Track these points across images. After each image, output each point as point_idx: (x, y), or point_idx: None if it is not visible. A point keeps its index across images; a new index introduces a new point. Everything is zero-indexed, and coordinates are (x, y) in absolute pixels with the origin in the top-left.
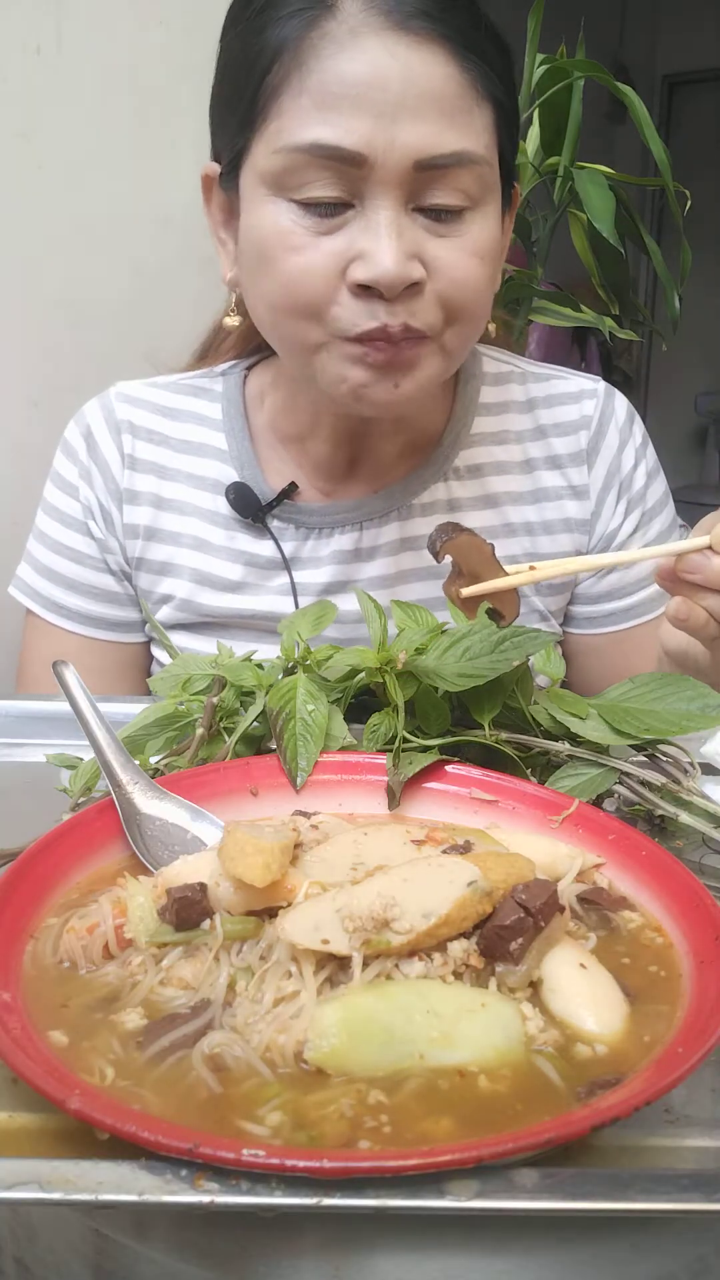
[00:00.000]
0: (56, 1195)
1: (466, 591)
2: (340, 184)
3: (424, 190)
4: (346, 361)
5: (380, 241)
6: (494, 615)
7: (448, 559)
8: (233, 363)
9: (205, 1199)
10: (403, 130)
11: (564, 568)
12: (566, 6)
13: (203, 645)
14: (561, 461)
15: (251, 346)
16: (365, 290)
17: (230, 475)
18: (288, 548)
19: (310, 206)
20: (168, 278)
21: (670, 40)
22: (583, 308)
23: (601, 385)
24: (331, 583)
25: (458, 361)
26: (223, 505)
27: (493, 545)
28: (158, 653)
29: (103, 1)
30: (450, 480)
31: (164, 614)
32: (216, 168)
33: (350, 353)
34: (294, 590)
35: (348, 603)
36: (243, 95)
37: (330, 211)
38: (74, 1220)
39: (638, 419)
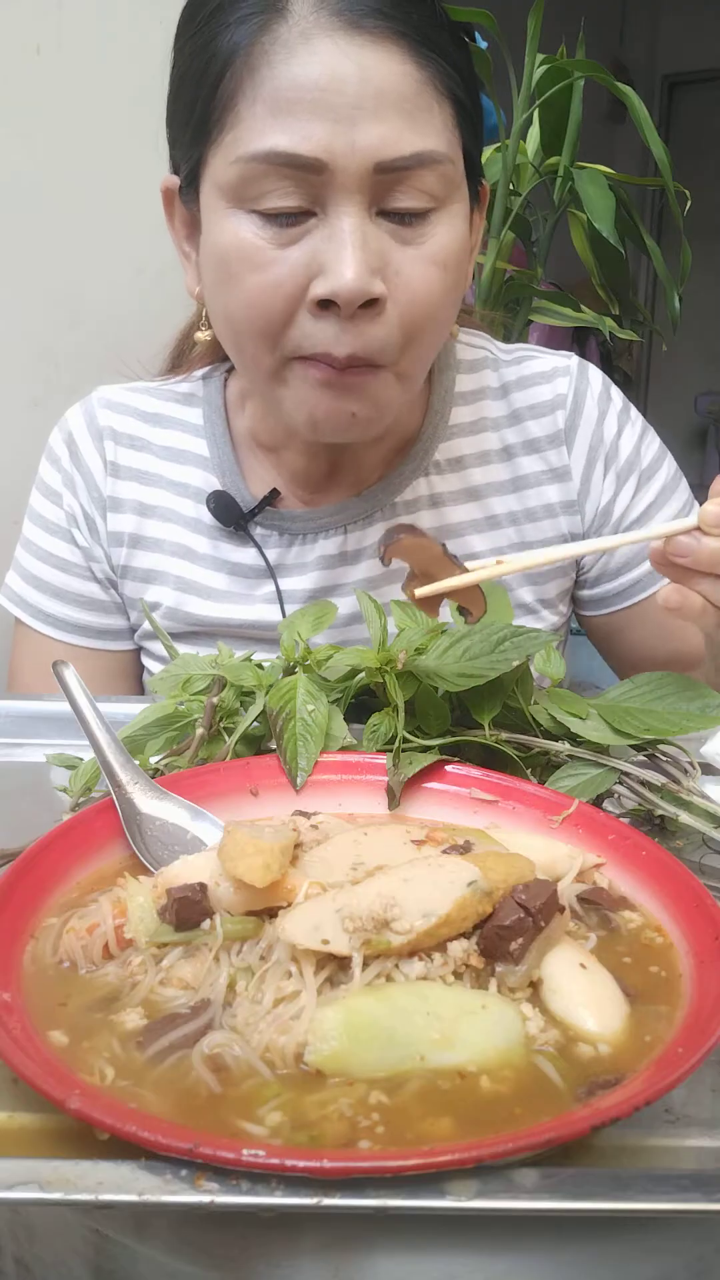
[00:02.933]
0: (56, 1195)
1: (420, 592)
2: (300, 192)
3: (386, 194)
4: (303, 386)
5: (343, 251)
6: (464, 612)
7: (397, 561)
8: (213, 365)
9: (205, 1199)
10: (361, 133)
11: (532, 560)
12: (566, 6)
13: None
14: (539, 445)
15: (224, 353)
16: (324, 308)
17: (212, 482)
18: (272, 554)
19: (271, 217)
20: (168, 278)
21: (670, 40)
22: (583, 308)
23: (574, 361)
24: (318, 589)
25: (417, 383)
26: (205, 513)
27: (444, 545)
28: (149, 662)
29: (103, 1)
30: (431, 475)
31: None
32: (176, 180)
33: (304, 374)
34: (280, 598)
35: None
36: (196, 106)
37: (291, 221)
38: (74, 1220)
39: (614, 387)
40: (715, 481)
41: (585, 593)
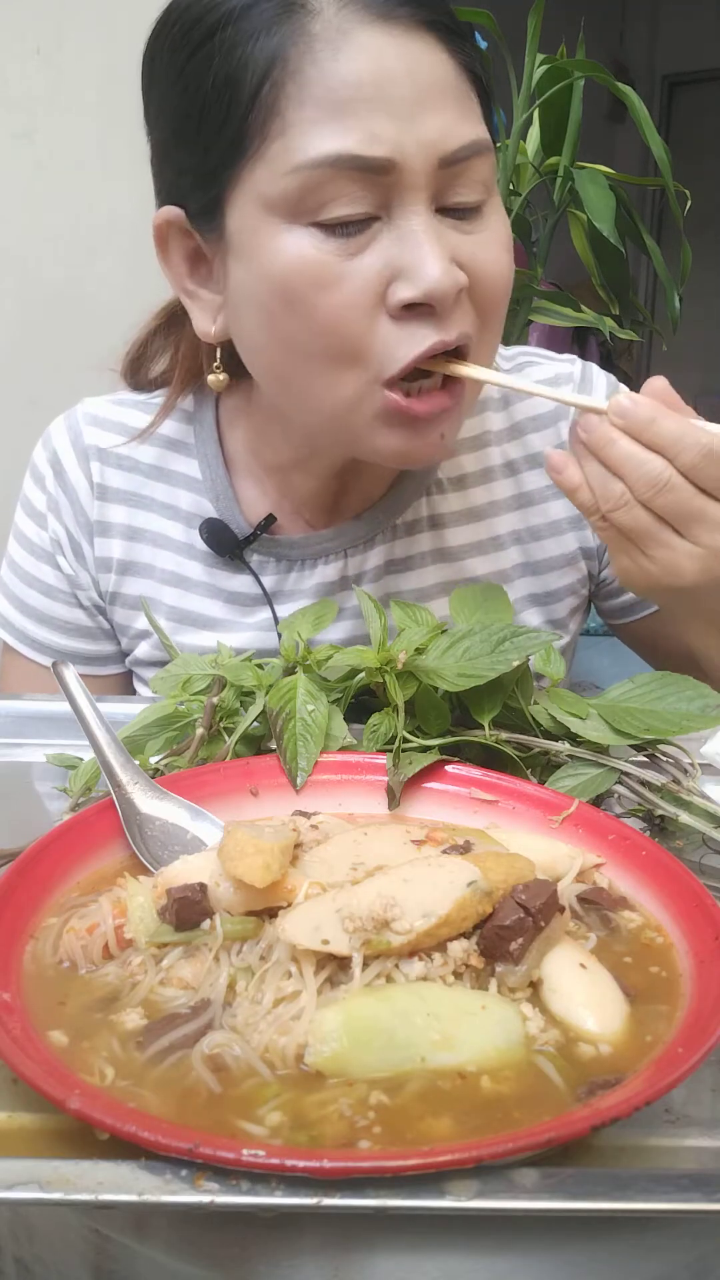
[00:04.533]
0: (56, 1195)
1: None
2: (368, 197)
3: (447, 189)
4: (384, 422)
5: (422, 251)
6: None
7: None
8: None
9: (205, 1199)
10: (422, 127)
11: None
12: (566, 6)
13: None
14: (542, 459)
15: (194, 379)
16: (408, 311)
17: (204, 507)
18: (269, 582)
19: (332, 228)
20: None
21: (670, 40)
22: (583, 308)
23: (578, 366)
24: None
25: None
26: (197, 538)
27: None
28: (141, 687)
29: (103, 1)
30: (433, 494)
31: (143, 650)
32: (177, 211)
33: (389, 405)
34: (276, 623)
35: (336, 632)
36: (226, 123)
37: (356, 230)
38: (74, 1220)
39: (622, 386)
40: (648, 382)
41: (612, 603)
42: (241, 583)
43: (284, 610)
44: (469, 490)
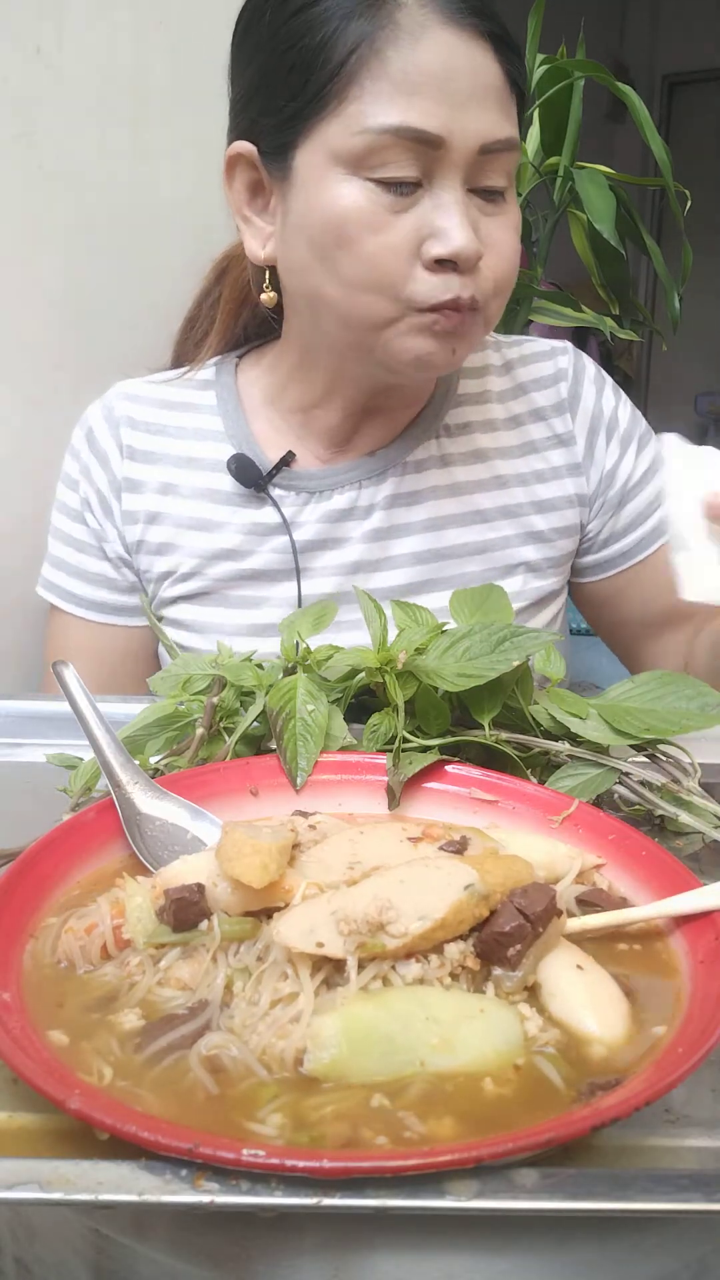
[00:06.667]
0: (56, 1195)
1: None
2: (417, 164)
3: (480, 172)
4: (415, 333)
5: (454, 219)
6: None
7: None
8: (222, 356)
9: (205, 1199)
10: (472, 117)
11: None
12: (566, 6)
13: (206, 614)
14: (545, 413)
15: (233, 340)
16: (440, 265)
17: (227, 451)
18: (288, 512)
19: (386, 185)
20: (168, 278)
21: (670, 40)
22: (583, 308)
23: (570, 345)
24: (326, 539)
25: (491, 328)
26: (221, 483)
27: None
28: (161, 651)
29: (103, 1)
30: (441, 438)
31: (167, 589)
32: (249, 147)
33: (421, 323)
34: (294, 547)
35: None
36: (307, 78)
37: (405, 190)
38: (74, 1220)
39: (605, 373)
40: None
41: (589, 558)
42: (260, 514)
43: (299, 535)
44: (475, 435)
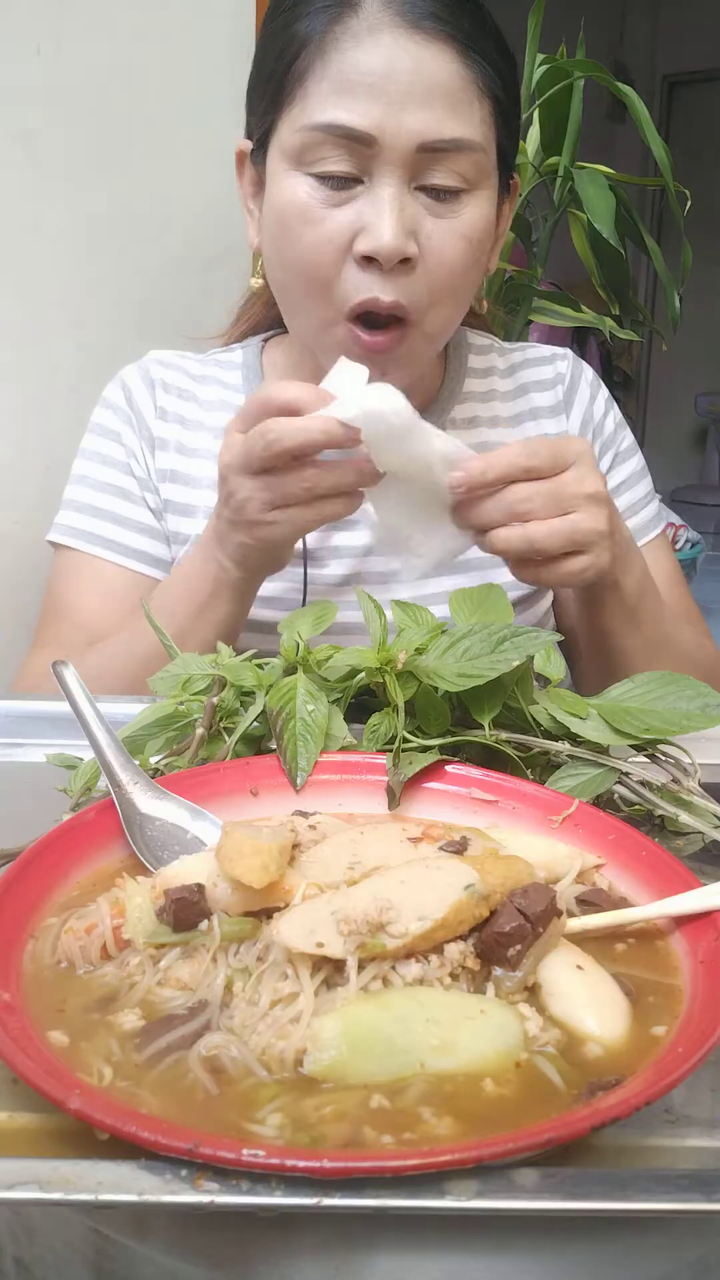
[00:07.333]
0: (56, 1195)
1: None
2: (351, 160)
3: (425, 171)
4: (347, 345)
5: (382, 216)
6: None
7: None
8: (249, 339)
9: (205, 1199)
10: (409, 116)
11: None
12: (566, 6)
13: None
14: (541, 414)
15: (270, 318)
16: (368, 262)
17: None
18: None
19: (324, 179)
20: (168, 278)
21: (670, 40)
22: (583, 308)
23: (570, 351)
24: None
25: (440, 343)
26: None
27: None
28: None
29: (103, 1)
30: (448, 430)
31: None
32: (249, 144)
33: (349, 336)
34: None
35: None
36: (273, 79)
37: (341, 185)
38: (74, 1220)
39: (601, 382)
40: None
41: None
42: None
43: None
44: (481, 429)
